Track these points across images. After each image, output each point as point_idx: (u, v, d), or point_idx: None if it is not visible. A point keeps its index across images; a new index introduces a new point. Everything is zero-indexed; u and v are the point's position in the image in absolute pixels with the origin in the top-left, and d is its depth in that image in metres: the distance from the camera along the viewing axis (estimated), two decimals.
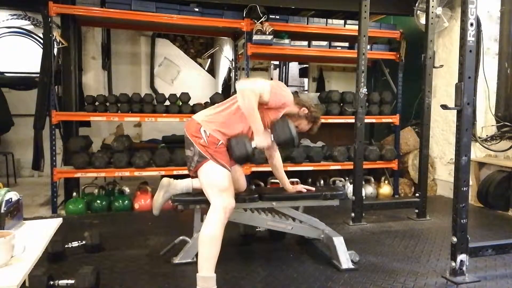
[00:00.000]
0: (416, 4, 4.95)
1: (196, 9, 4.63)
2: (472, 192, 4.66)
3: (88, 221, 3.98)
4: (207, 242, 2.30)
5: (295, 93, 5.36)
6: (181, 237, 2.99)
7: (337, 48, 5.20)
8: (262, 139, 2.49)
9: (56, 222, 2.02)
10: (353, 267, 2.81)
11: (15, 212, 1.86)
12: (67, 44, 4.46)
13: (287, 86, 9.21)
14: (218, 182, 2.43)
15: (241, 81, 2.50)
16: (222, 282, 2.38)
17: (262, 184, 4.97)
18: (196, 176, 2.57)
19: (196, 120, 2.54)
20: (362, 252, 3.07)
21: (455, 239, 2.60)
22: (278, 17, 4.83)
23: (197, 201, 2.80)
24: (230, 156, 2.50)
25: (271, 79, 8.34)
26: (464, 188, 2.62)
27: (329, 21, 5.09)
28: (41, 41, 5.64)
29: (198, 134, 2.47)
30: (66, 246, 2.99)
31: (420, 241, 3.47)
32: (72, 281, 2.24)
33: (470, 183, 4.57)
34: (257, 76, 7.16)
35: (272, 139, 2.56)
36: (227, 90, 7.06)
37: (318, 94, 5.74)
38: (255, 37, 4.62)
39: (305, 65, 8.55)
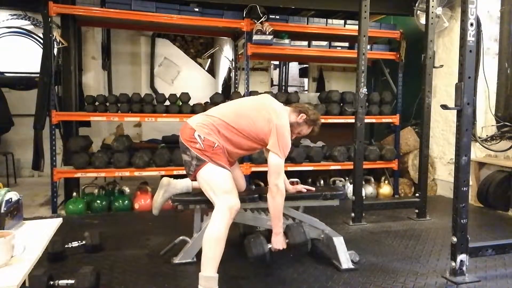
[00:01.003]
0: (416, 4, 4.95)
1: (196, 9, 4.63)
2: (472, 192, 4.66)
3: (88, 221, 3.98)
4: (212, 242, 2.30)
5: (295, 93, 5.36)
6: (181, 237, 2.99)
7: (337, 48, 5.20)
8: (278, 241, 2.60)
9: (56, 222, 2.02)
10: (353, 267, 2.81)
11: (15, 212, 1.86)
12: (67, 44, 4.47)
13: (287, 86, 9.21)
14: (220, 184, 2.42)
15: (270, 179, 2.52)
16: (222, 282, 2.38)
17: (262, 184, 4.97)
18: (196, 180, 2.56)
19: (190, 125, 2.53)
20: (362, 252, 3.07)
21: (455, 239, 2.61)
22: (278, 17, 4.83)
23: (197, 201, 2.80)
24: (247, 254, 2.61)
25: (271, 79, 8.34)
26: (464, 188, 2.62)
27: (329, 21, 5.10)
28: (41, 41, 5.64)
29: (192, 139, 2.47)
30: (66, 246, 2.99)
31: (420, 241, 3.47)
32: (72, 281, 2.24)
33: (470, 183, 4.57)
34: (257, 77, 7.17)
35: (287, 240, 2.64)
36: (227, 90, 7.06)
37: (318, 94, 5.73)
38: (255, 37, 4.62)
39: (305, 65, 8.56)
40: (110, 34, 7.31)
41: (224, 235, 2.32)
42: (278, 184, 2.51)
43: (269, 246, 2.61)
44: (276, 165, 2.52)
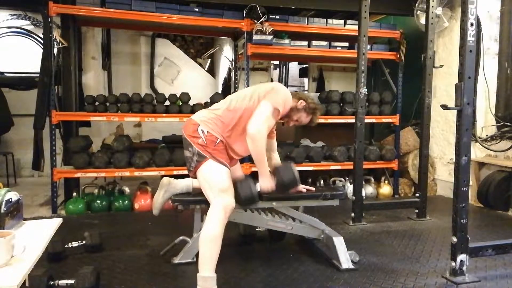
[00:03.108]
0: (416, 4, 4.96)
1: (196, 9, 4.63)
2: (472, 192, 4.66)
3: (88, 221, 3.98)
4: (208, 242, 2.30)
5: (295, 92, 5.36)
6: (181, 237, 2.99)
7: (337, 48, 5.20)
8: (267, 183, 2.58)
9: (56, 222, 2.02)
10: (353, 267, 2.81)
11: (15, 212, 1.86)
12: (67, 44, 4.46)
13: (287, 86, 9.22)
14: (218, 181, 2.42)
15: (251, 123, 2.43)
16: (222, 282, 2.38)
17: None
18: (196, 177, 2.57)
19: (194, 120, 2.54)
20: (362, 252, 3.07)
21: (455, 239, 2.60)
22: (278, 17, 4.83)
23: (197, 201, 2.80)
24: (235, 198, 2.52)
25: (271, 79, 8.34)
26: (464, 188, 2.62)
27: (329, 21, 5.09)
28: (41, 41, 5.64)
29: (195, 134, 2.47)
30: (66, 246, 2.98)
31: (420, 241, 3.47)
32: (72, 281, 2.24)
33: (470, 183, 4.57)
34: (257, 77, 7.17)
35: (276, 181, 2.61)
36: (227, 90, 7.06)
37: (318, 94, 5.73)
38: (255, 37, 4.62)
39: (305, 65, 8.55)
40: (110, 34, 7.31)
41: (220, 234, 2.32)
42: (261, 130, 2.42)
43: (258, 188, 2.58)
44: (262, 110, 2.47)
